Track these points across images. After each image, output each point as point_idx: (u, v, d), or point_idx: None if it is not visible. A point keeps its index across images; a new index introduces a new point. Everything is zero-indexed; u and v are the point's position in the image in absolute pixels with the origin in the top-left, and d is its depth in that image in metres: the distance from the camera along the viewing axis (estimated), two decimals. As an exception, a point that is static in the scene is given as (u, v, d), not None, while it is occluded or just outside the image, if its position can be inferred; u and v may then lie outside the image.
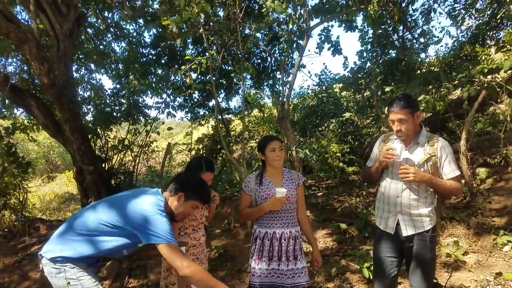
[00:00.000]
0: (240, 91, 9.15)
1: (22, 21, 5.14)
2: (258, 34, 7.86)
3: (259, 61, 9.07)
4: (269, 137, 2.86)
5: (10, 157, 6.45)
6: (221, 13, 6.15)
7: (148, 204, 2.21)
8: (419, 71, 8.27)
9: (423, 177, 2.42)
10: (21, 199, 7.77)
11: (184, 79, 5.53)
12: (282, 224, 2.76)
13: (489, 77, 6.04)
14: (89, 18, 7.09)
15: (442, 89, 6.24)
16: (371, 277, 3.90)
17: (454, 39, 8.76)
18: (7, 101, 6.19)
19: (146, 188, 2.51)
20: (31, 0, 5.12)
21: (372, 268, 3.87)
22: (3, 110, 6.66)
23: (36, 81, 6.67)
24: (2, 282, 5.33)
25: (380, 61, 8.35)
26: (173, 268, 2.18)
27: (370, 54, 8.57)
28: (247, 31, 6.65)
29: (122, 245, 2.27)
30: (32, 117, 6.89)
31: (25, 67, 6.93)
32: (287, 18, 6.15)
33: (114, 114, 7.90)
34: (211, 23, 5.91)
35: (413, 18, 8.17)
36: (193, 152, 8.70)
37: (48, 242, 2.32)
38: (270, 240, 2.75)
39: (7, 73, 5.96)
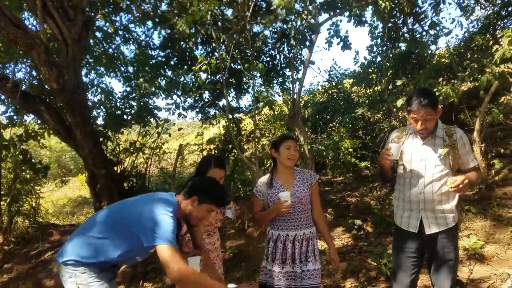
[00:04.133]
0: (250, 90, 9.12)
1: (29, 26, 5.14)
2: (266, 32, 7.80)
3: (268, 59, 8.99)
4: (286, 135, 2.87)
5: (25, 164, 6.48)
6: (228, 12, 6.11)
7: (155, 205, 2.13)
8: (429, 63, 8.15)
9: (466, 182, 2.31)
10: (33, 205, 7.77)
11: (194, 80, 5.53)
12: (295, 226, 2.71)
13: (502, 66, 5.92)
14: (97, 22, 7.08)
15: (454, 80, 6.12)
16: (389, 274, 3.84)
17: (465, 30, 8.64)
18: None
19: (159, 192, 2.45)
20: (38, 6, 5.09)
21: (389, 266, 3.82)
22: (14, 117, 6.69)
23: (46, 86, 6.66)
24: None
25: (391, 55, 8.23)
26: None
27: (380, 48, 8.46)
28: (255, 29, 6.60)
29: (132, 249, 2.20)
30: (43, 123, 6.92)
31: (34, 73, 6.94)
32: (296, 15, 6.09)
33: (125, 117, 7.88)
34: (219, 23, 5.87)
35: (422, 9, 8.04)
36: (204, 153, 8.68)
37: (62, 246, 2.30)
38: (283, 243, 2.70)
39: (16, 80, 5.97)
